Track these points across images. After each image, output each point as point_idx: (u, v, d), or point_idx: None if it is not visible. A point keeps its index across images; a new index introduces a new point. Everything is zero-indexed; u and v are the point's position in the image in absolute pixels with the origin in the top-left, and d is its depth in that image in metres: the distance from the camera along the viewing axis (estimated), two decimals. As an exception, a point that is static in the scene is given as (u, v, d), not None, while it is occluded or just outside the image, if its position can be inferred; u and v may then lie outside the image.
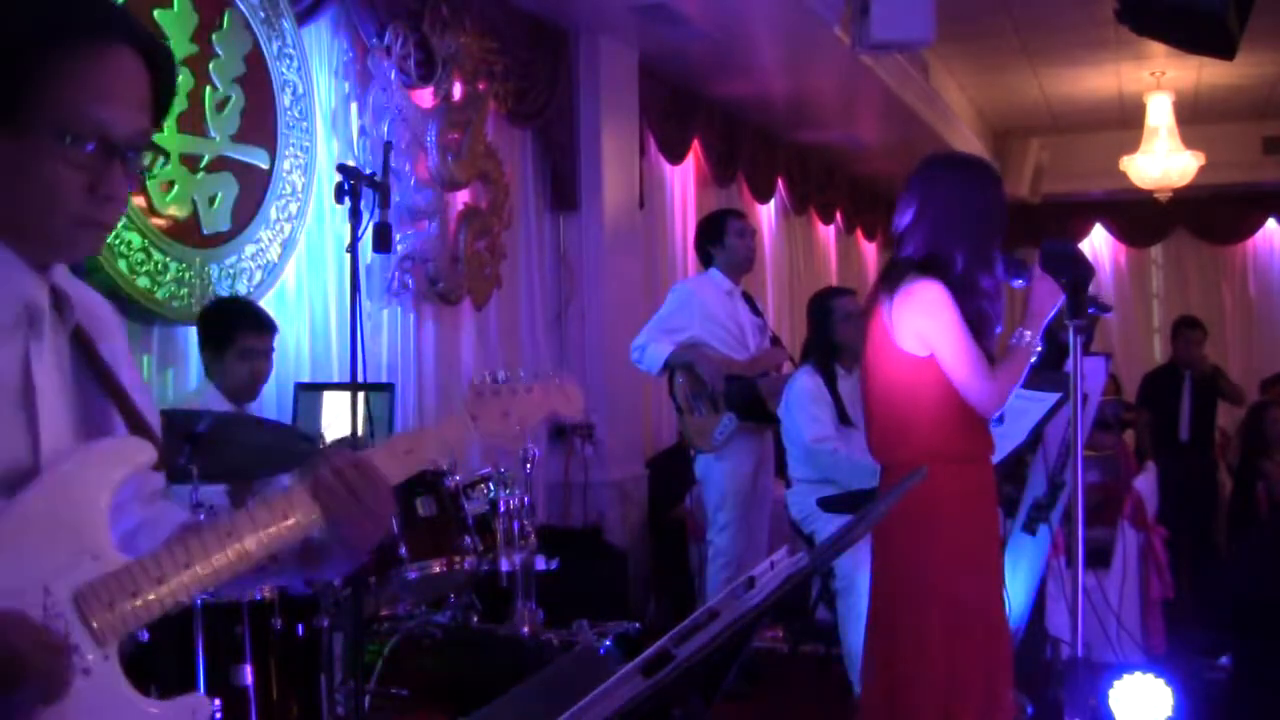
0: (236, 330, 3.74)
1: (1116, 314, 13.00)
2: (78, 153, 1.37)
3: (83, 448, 1.43)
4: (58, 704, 1.31)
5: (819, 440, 4.96)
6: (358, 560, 1.61)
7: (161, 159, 1.45)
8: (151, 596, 1.40)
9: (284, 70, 4.54)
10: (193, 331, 3.99)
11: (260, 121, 4.43)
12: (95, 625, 1.36)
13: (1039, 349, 2.99)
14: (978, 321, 2.97)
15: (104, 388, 1.50)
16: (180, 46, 4.09)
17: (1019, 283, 3.06)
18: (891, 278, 3.05)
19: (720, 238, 5.64)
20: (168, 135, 4.03)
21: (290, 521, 1.48)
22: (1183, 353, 8.37)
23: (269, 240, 4.46)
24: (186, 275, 4.12)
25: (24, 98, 1.36)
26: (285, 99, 4.54)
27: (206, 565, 1.43)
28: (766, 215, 9.49)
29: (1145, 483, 5.61)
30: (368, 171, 3.79)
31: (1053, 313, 2.98)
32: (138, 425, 1.50)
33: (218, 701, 2.89)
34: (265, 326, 3.83)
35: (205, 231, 4.22)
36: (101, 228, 1.44)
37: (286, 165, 4.53)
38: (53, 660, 1.30)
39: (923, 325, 2.95)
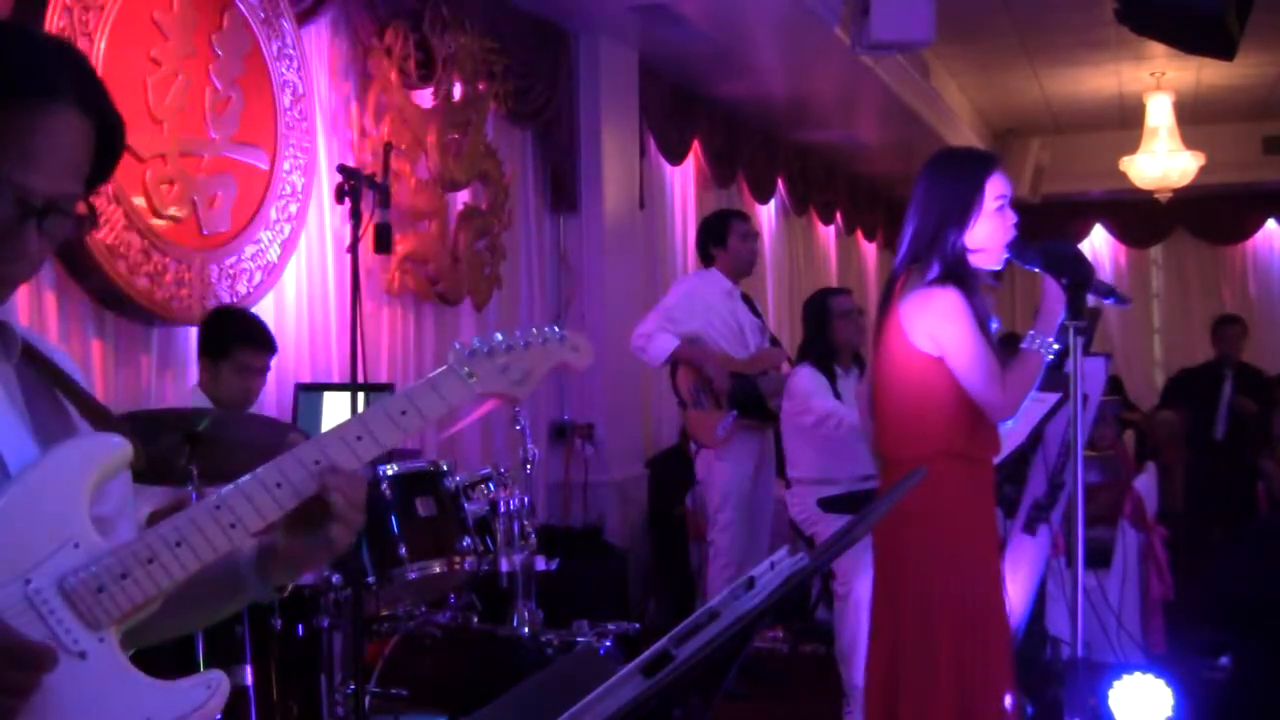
0: (233, 345, 3.68)
1: (1117, 314, 13.01)
2: None
3: (49, 452, 1.41)
4: (56, 688, 1.32)
5: (826, 413, 4.95)
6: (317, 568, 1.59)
7: (91, 222, 1.42)
8: (141, 574, 1.39)
9: (284, 71, 4.54)
10: (193, 332, 3.98)
11: (260, 122, 4.43)
12: (84, 610, 1.37)
13: (1056, 348, 2.95)
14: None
15: (63, 397, 1.49)
16: (180, 47, 4.10)
17: (1032, 267, 3.02)
18: (901, 281, 3.05)
19: (724, 239, 5.64)
20: (167, 135, 4.04)
21: (282, 491, 1.45)
22: (1224, 348, 8.48)
23: (269, 241, 4.46)
24: (186, 276, 4.12)
25: None
26: (285, 99, 4.54)
27: (198, 538, 1.41)
28: (767, 215, 9.49)
29: (1145, 483, 5.61)
30: (368, 172, 3.80)
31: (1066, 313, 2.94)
32: (106, 424, 1.49)
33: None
34: (264, 345, 3.76)
35: (205, 232, 4.21)
36: (6, 283, 1.40)
37: (286, 166, 4.53)
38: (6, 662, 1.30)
39: (937, 330, 2.94)
